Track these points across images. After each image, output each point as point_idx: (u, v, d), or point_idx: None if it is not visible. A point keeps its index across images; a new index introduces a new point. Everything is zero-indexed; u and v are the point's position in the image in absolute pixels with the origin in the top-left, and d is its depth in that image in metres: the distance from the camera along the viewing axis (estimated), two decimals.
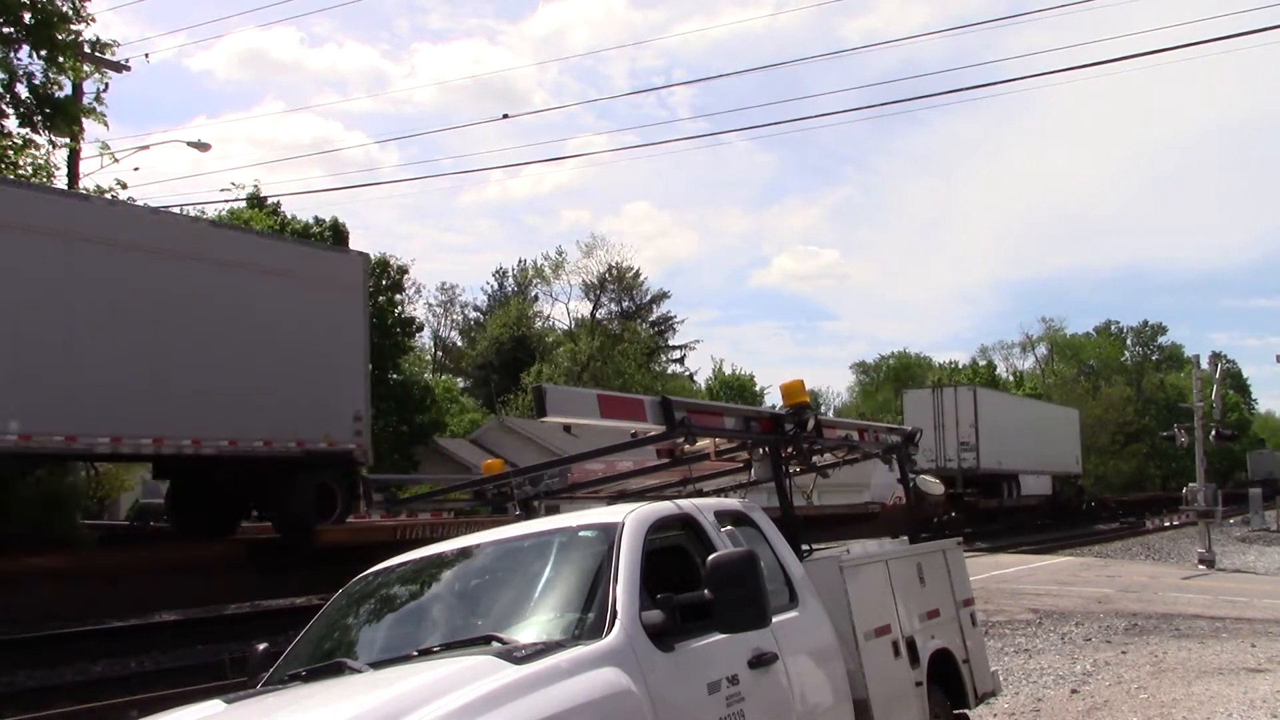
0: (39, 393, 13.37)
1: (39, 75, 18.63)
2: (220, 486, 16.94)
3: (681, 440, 6.17)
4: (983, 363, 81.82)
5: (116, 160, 21.17)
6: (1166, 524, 42.82)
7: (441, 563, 5.14)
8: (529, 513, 6.65)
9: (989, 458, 36.07)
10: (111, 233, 14.74)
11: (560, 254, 66.38)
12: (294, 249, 18.60)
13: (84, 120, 20.13)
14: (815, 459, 7.18)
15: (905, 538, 7.81)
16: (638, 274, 67.58)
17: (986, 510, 37.06)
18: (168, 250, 15.20)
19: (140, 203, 22.60)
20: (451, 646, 4.24)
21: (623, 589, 4.32)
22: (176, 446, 15.07)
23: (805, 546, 6.08)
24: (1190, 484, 30.50)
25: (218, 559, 15.98)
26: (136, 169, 57.45)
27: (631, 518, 4.76)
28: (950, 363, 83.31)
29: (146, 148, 31.99)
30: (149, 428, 14.70)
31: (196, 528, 17.21)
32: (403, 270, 39.32)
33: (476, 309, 71.91)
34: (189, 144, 26.62)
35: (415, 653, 4.26)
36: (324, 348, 16.80)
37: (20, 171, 18.54)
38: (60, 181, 20.71)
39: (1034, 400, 49.19)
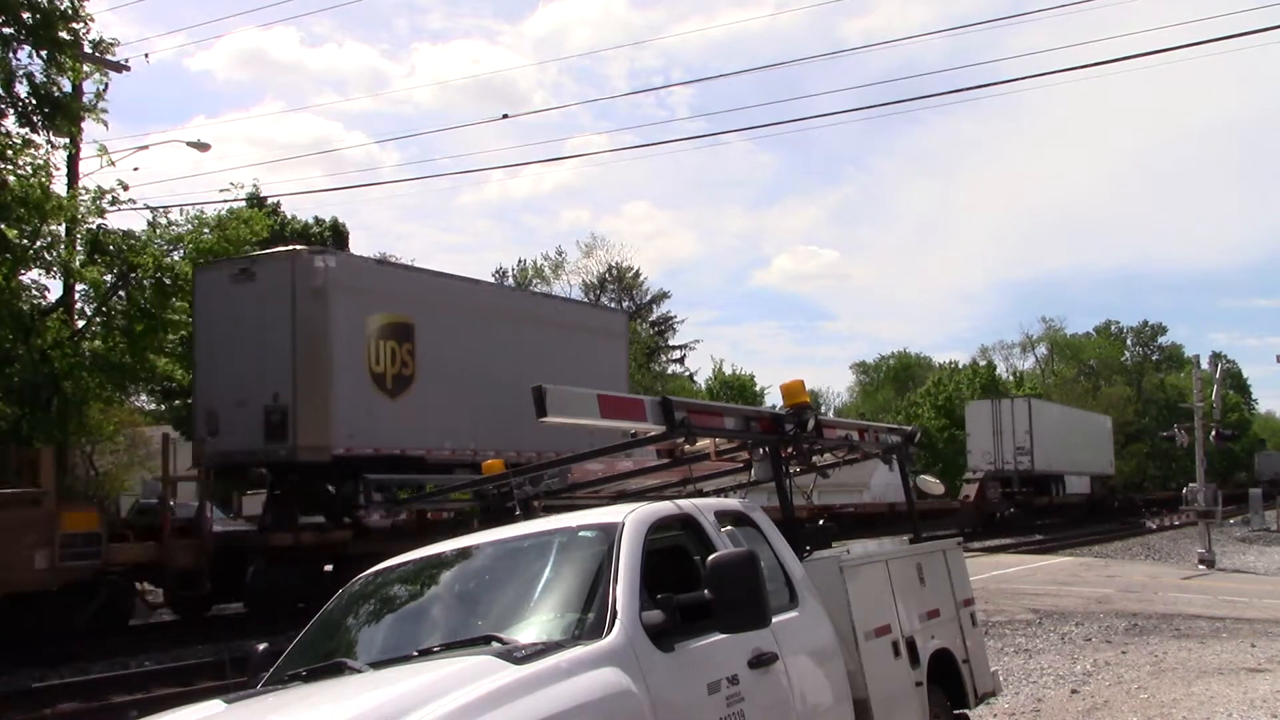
0: (458, 422, 19.26)
1: (39, 75, 18.63)
2: None
3: (681, 440, 6.17)
4: (983, 363, 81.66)
5: (114, 164, 21.12)
6: (1167, 524, 42.84)
7: (441, 563, 5.14)
8: (529, 513, 6.65)
9: (1041, 461, 40.48)
10: (497, 304, 21.94)
11: (560, 254, 66.33)
12: (589, 311, 27.15)
13: (84, 119, 20.13)
14: (815, 459, 7.18)
15: (907, 538, 7.81)
16: (638, 274, 67.52)
17: (1039, 506, 42.19)
18: (523, 315, 21.90)
19: (143, 207, 22.72)
20: (451, 646, 4.24)
21: (623, 589, 4.32)
22: (527, 458, 19.32)
23: (805, 547, 6.08)
24: (1190, 484, 30.51)
25: None
26: (136, 169, 57.36)
27: (631, 518, 4.76)
28: (950, 363, 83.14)
29: (146, 148, 31.83)
30: (513, 445, 19.43)
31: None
32: None
33: None
34: (189, 144, 26.56)
35: (415, 653, 4.26)
36: (606, 381, 20.97)
37: (19, 171, 18.51)
38: (60, 182, 20.72)
39: (1077, 410, 53.58)
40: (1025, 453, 39.65)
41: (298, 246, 21.36)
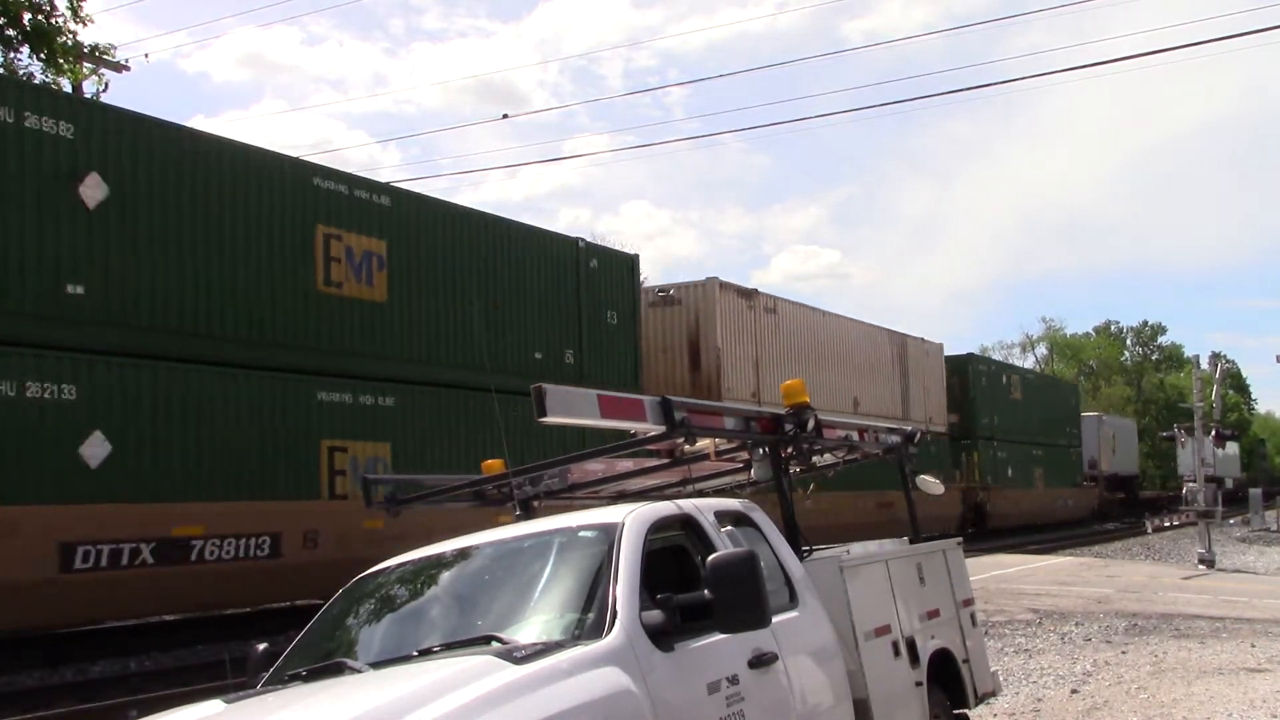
0: None
1: (38, 76, 18.66)
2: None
3: (681, 440, 6.16)
4: None
5: None
6: (1166, 524, 42.84)
7: (441, 563, 5.13)
8: (529, 513, 6.64)
9: (1220, 470, 59.36)
10: None
11: None
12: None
13: None
14: (815, 459, 7.17)
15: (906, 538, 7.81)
16: None
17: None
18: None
19: None
20: (451, 647, 4.24)
21: (623, 589, 4.32)
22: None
23: (805, 547, 6.08)
24: (1190, 484, 30.48)
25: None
26: None
27: (631, 518, 4.76)
28: None
29: None
30: None
31: None
32: None
33: None
34: None
35: (415, 653, 4.26)
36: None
37: None
38: None
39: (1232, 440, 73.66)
40: (1209, 465, 64.95)
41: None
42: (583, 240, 20.19)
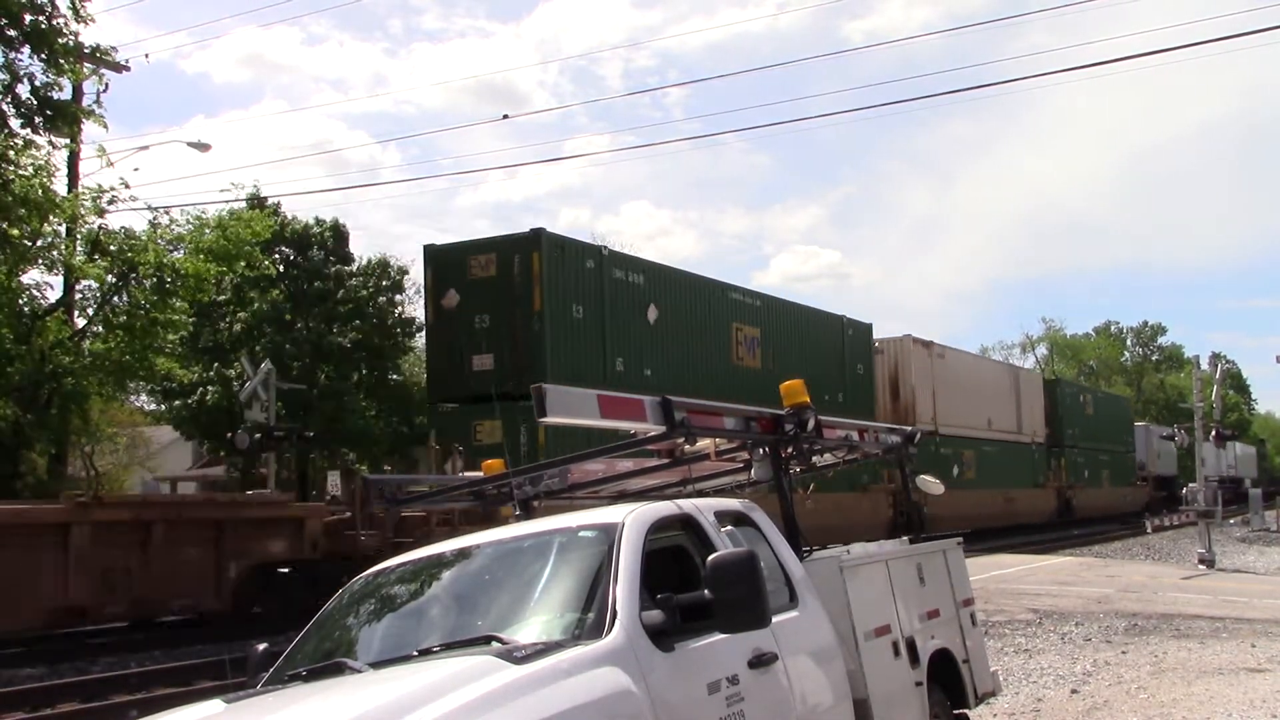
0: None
1: (39, 76, 18.69)
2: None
3: (681, 440, 6.16)
4: None
5: (113, 164, 21.10)
6: (1166, 524, 42.85)
7: (441, 563, 5.13)
8: (529, 513, 6.64)
9: (1239, 470, 65.99)
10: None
11: None
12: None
13: (83, 121, 20.13)
14: (815, 459, 7.17)
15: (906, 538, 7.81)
16: None
17: (1239, 494, 65.13)
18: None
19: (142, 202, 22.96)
20: (451, 647, 4.24)
21: (623, 589, 4.32)
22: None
23: (805, 547, 6.08)
24: (1190, 484, 30.49)
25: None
26: (136, 169, 57.09)
27: (631, 518, 4.76)
28: None
29: (146, 148, 32.07)
30: None
31: None
32: (403, 271, 38.83)
33: None
34: (189, 144, 26.56)
35: (415, 653, 4.26)
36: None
37: (21, 172, 18.49)
38: (60, 182, 20.71)
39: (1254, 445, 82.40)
40: (1229, 465, 62.00)
41: None
42: (846, 317, 30.39)
